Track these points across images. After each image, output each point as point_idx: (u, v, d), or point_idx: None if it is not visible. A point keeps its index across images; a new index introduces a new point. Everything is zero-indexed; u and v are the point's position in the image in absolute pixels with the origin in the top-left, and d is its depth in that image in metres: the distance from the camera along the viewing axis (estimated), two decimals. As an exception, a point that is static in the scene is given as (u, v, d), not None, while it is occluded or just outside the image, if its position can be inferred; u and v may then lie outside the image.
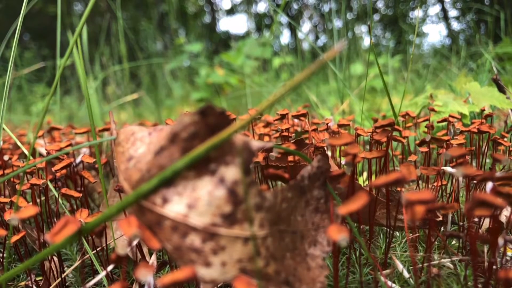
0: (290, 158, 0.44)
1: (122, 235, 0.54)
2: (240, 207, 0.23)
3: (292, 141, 0.49)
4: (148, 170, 0.23)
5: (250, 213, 0.23)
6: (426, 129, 0.64)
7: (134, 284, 0.42)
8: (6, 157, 0.57)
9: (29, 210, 0.27)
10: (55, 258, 0.47)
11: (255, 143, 0.24)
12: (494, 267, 0.37)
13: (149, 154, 0.24)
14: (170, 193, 0.23)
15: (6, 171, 0.56)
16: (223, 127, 0.23)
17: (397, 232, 0.52)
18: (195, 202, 0.22)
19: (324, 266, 0.25)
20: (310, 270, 0.25)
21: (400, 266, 0.45)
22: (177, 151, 0.23)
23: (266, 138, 0.60)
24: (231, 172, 0.23)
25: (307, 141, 0.50)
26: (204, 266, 0.22)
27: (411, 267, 0.46)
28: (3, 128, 0.48)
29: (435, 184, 0.54)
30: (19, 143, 0.55)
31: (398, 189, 0.43)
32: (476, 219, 0.48)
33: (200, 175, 0.23)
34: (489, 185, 0.28)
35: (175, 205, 0.23)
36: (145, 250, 0.49)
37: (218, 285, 0.40)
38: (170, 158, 0.23)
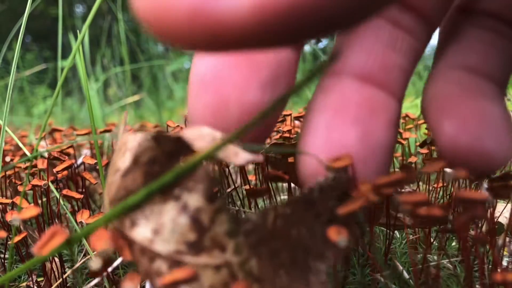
0: (291, 159, 0.44)
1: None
2: (207, 234, 0.22)
3: (293, 143, 0.49)
4: (117, 191, 0.23)
5: (220, 240, 0.22)
6: (426, 131, 0.64)
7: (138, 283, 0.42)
8: (8, 159, 0.58)
9: (30, 210, 0.27)
10: (56, 259, 0.48)
11: (242, 156, 0.22)
12: (493, 268, 0.37)
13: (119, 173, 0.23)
14: (138, 216, 0.22)
15: (8, 173, 0.56)
16: (181, 153, 0.22)
17: (397, 233, 0.52)
18: (160, 228, 0.22)
19: (326, 283, 0.23)
20: (308, 286, 0.23)
21: (400, 267, 0.45)
22: (139, 174, 0.22)
23: (267, 140, 0.60)
24: (194, 200, 0.22)
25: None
26: None
27: (411, 268, 0.46)
28: (5, 130, 0.48)
29: (435, 185, 0.54)
30: (21, 145, 0.55)
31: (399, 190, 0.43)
32: (475, 220, 0.48)
33: (166, 199, 0.22)
34: (484, 184, 0.29)
35: (142, 229, 0.22)
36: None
37: None
38: (134, 181, 0.22)
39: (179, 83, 2.78)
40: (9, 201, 0.47)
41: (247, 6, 0.13)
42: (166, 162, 0.23)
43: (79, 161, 0.66)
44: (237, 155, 0.22)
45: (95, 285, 0.45)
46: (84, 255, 0.54)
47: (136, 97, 2.05)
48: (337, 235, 0.22)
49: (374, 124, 0.26)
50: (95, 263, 0.22)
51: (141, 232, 0.22)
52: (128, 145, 0.24)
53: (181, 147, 0.23)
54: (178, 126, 0.51)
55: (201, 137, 0.23)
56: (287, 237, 0.23)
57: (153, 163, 0.22)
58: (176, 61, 2.88)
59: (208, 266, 0.22)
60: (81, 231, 0.22)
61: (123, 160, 0.23)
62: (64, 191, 0.47)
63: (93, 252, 0.22)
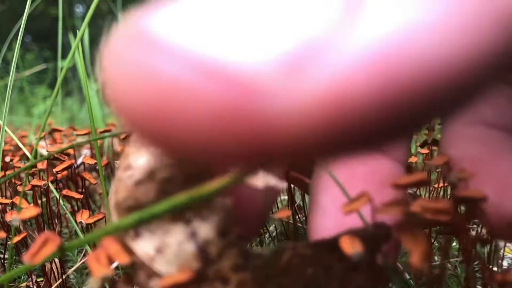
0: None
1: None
2: (212, 267, 0.21)
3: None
4: (125, 199, 0.21)
5: (224, 274, 0.21)
6: (426, 131, 0.64)
7: (134, 285, 0.42)
8: (7, 159, 0.58)
9: (30, 211, 0.27)
10: (56, 260, 0.47)
11: (265, 181, 0.21)
12: (494, 268, 0.37)
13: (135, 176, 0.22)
14: (143, 229, 0.21)
15: (8, 172, 0.56)
16: (201, 177, 0.21)
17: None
18: (164, 248, 0.21)
19: None
20: None
21: (400, 267, 0.45)
22: (153, 190, 0.21)
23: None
24: (205, 229, 0.21)
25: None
26: None
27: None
28: (5, 130, 0.48)
29: (436, 186, 0.54)
30: (20, 145, 0.55)
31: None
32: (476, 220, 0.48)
33: (175, 219, 0.21)
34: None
35: (145, 244, 0.21)
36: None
37: None
38: (146, 195, 0.21)
39: (179, 83, 2.77)
40: (8, 201, 0.47)
41: (317, 99, 0.09)
42: (184, 184, 0.21)
43: (79, 161, 0.66)
44: (260, 180, 0.21)
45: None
46: (84, 255, 0.54)
47: (136, 97, 2.05)
48: (351, 247, 0.20)
49: (384, 195, 0.24)
50: (94, 284, 0.21)
51: (144, 246, 0.21)
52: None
53: (202, 170, 0.21)
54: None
55: None
56: (300, 275, 0.22)
57: (170, 182, 0.21)
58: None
59: None
60: (79, 240, 0.21)
61: (136, 157, 0.22)
62: (64, 191, 0.47)
63: (92, 276, 0.20)
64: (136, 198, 0.21)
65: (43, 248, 0.21)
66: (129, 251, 0.21)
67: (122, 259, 0.21)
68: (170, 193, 0.21)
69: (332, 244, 0.22)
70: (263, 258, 0.22)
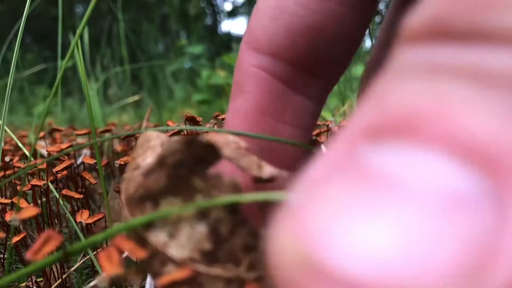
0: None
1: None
2: (223, 246, 0.21)
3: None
4: (136, 189, 0.22)
5: (236, 254, 0.21)
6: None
7: (134, 285, 0.42)
8: (7, 159, 0.58)
9: (29, 210, 0.27)
10: (56, 259, 0.47)
11: (266, 170, 0.21)
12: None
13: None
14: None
15: (7, 172, 0.56)
16: (210, 159, 0.22)
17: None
18: (176, 232, 0.21)
19: None
20: None
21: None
22: (164, 176, 0.22)
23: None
24: (216, 210, 0.21)
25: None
26: None
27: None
28: (5, 130, 0.48)
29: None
30: (20, 145, 0.55)
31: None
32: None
33: (185, 203, 0.22)
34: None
35: (158, 231, 0.21)
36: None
37: None
38: (157, 182, 0.22)
39: (179, 83, 2.78)
40: (8, 201, 0.47)
41: None
42: (194, 167, 0.22)
43: (79, 161, 0.66)
44: (261, 168, 0.21)
45: (95, 285, 0.45)
46: (84, 256, 0.54)
47: (136, 97, 2.05)
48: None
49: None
50: (101, 282, 0.21)
51: (157, 234, 0.21)
52: (151, 143, 0.23)
53: (211, 152, 0.22)
54: (178, 126, 0.51)
55: (227, 144, 0.22)
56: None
57: (180, 167, 0.22)
58: (176, 61, 2.88)
59: (220, 278, 0.21)
60: (85, 242, 0.21)
61: (143, 158, 0.23)
62: (64, 191, 0.47)
63: (102, 272, 0.20)
64: (147, 187, 0.22)
65: (46, 245, 0.21)
66: (141, 241, 0.21)
67: (138, 254, 0.21)
68: (180, 178, 0.21)
69: None
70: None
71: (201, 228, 0.21)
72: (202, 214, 0.21)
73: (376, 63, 0.27)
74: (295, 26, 0.24)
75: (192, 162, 0.22)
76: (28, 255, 0.20)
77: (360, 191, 0.11)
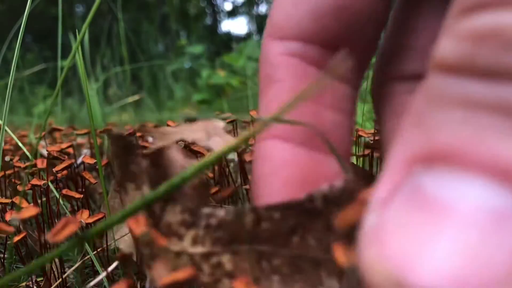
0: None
1: (123, 236, 0.54)
2: (161, 222, 0.22)
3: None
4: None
5: (175, 229, 0.22)
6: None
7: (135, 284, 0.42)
8: (7, 158, 0.58)
9: (30, 210, 0.27)
10: (56, 259, 0.47)
11: (178, 160, 0.23)
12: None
13: None
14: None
15: (7, 172, 0.56)
16: (129, 151, 0.23)
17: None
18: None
19: None
20: None
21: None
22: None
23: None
24: (146, 187, 0.23)
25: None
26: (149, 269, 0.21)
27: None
28: (5, 130, 0.48)
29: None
30: (20, 144, 0.55)
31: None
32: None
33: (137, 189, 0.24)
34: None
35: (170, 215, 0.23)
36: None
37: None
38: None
39: (179, 83, 2.78)
40: (8, 200, 0.47)
41: None
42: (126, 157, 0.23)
43: (79, 160, 0.66)
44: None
45: (95, 285, 0.45)
46: (84, 255, 0.54)
47: (136, 97, 2.05)
48: (344, 258, 0.19)
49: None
50: (128, 248, 0.22)
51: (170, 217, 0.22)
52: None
53: (131, 146, 0.23)
54: (178, 125, 0.51)
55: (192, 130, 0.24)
56: (283, 243, 0.21)
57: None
58: (176, 61, 2.88)
59: (168, 250, 0.22)
60: (106, 222, 0.21)
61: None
62: (64, 191, 0.47)
63: (131, 236, 0.22)
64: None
65: (65, 228, 0.22)
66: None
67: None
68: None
69: (308, 209, 0.21)
70: (216, 218, 0.22)
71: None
72: (142, 194, 0.23)
73: (389, 53, 0.27)
74: (320, 7, 0.24)
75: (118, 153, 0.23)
76: (48, 236, 0.21)
77: (421, 214, 0.14)
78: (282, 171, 0.24)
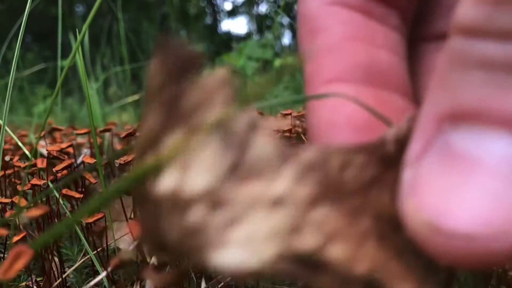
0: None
1: (123, 236, 0.54)
2: (245, 157, 0.16)
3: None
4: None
5: (264, 167, 0.16)
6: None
7: (134, 285, 0.42)
8: (7, 158, 0.58)
9: (38, 209, 0.26)
10: (56, 259, 0.47)
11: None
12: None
13: None
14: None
15: (7, 172, 0.56)
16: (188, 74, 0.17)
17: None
18: (185, 166, 0.16)
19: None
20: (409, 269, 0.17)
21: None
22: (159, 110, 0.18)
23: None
24: (217, 113, 0.17)
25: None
26: (219, 248, 0.15)
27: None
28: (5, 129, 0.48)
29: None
30: (20, 144, 0.55)
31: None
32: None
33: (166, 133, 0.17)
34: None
35: (165, 179, 0.16)
36: (145, 251, 0.49)
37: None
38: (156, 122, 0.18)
39: (179, 83, 2.77)
40: (8, 200, 0.47)
41: None
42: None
43: (79, 160, 0.66)
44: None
45: (95, 284, 0.45)
46: (84, 255, 0.54)
47: (136, 97, 2.05)
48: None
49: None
50: (126, 253, 0.20)
51: (164, 183, 0.16)
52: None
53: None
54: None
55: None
56: (364, 197, 0.18)
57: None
58: (176, 61, 2.87)
59: (259, 199, 0.16)
60: (100, 198, 0.18)
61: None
62: (64, 191, 0.47)
63: (133, 239, 0.20)
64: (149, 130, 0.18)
65: (16, 261, 0.20)
66: (154, 210, 0.17)
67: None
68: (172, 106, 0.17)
69: (383, 156, 0.18)
70: (306, 156, 0.17)
71: (211, 144, 0.16)
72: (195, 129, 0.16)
73: (419, 13, 0.27)
74: None
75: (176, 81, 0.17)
76: None
77: (452, 168, 0.15)
78: (346, 112, 0.23)
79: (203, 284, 0.46)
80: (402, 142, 0.18)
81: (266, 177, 0.16)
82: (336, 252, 0.16)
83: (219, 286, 0.46)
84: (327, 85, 0.23)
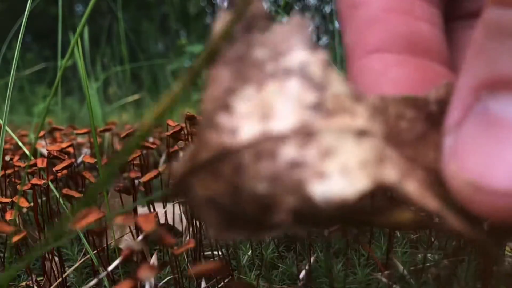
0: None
1: (123, 236, 0.54)
2: (326, 93, 0.17)
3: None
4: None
5: (344, 104, 0.18)
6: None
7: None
8: (7, 158, 0.58)
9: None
10: (56, 259, 0.47)
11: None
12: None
13: None
14: (231, 122, 0.17)
15: (7, 171, 0.56)
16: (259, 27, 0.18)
17: (397, 232, 0.52)
18: (267, 110, 0.17)
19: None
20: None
21: (400, 267, 0.45)
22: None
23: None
24: (295, 55, 0.17)
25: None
26: (319, 180, 0.16)
27: (412, 268, 0.46)
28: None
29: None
30: (20, 144, 0.55)
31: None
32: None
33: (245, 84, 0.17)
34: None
35: (246, 128, 0.17)
36: (145, 250, 0.49)
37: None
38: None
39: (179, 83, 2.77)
40: (8, 200, 0.47)
41: None
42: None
43: (79, 160, 0.66)
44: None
45: (95, 284, 0.45)
46: (84, 255, 0.54)
47: (136, 96, 2.05)
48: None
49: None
50: (136, 244, 0.21)
51: (246, 131, 0.17)
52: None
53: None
54: (178, 125, 0.51)
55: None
56: (415, 150, 0.19)
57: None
58: (176, 60, 2.87)
59: (346, 131, 0.17)
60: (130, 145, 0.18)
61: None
62: (64, 190, 0.47)
63: (142, 232, 0.21)
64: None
65: (86, 217, 0.22)
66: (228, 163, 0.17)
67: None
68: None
69: (427, 114, 0.20)
70: (371, 100, 0.19)
71: (293, 84, 0.17)
72: (285, 71, 0.17)
73: None
74: None
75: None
76: (70, 224, 0.21)
77: (491, 132, 0.17)
78: (391, 77, 0.24)
79: (203, 284, 0.46)
80: (442, 104, 0.20)
81: (346, 112, 0.17)
82: (412, 187, 0.17)
83: (219, 286, 0.46)
84: (369, 55, 0.25)
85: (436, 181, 0.18)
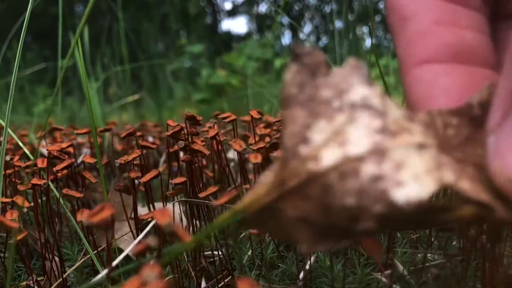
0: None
1: (123, 235, 0.54)
2: (388, 119, 0.21)
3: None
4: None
5: (403, 125, 0.22)
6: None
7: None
8: (8, 157, 0.58)
9: (105, 212, 0.26)
10: (57, 259, 0.48)
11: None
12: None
13: None
14: (318, 151, 0.21)
15: (8, 171, 0.56)
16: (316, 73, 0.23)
17: (397, 232, 0.52)
18: (342, 139, 0.21)
19: None
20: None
21: (400, 267, 0.45)
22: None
23: (267, 139, 0.60)
24: (356, 92, 0.22)
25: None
26: (399, 188, 0.20)
27: (412, 268, 0.46)
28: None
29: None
30: (20, 144, 0.55)
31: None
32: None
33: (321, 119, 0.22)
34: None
35: (327, 154, 0.21)
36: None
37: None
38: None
39: (179, 82, 2.77)
40: (8, 200, 0.47)
41: None
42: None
43: (79, 160, 0.66)
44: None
45: (95, 284, 0.45)
46: (84, 255, 0.54)
47: (136, 96, 2.05)
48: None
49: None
50: (152, 240, 0.22)
51: (328, 157, 0.21)
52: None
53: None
54: (178, 125, 0.51)
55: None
56: (463, 152, 0.23)
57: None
58: (176, 60, 2.87)
59: (409, 146, 0.21)
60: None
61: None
62: (64, 190, 0.47)
63: (160, 226, 0.22)
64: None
65: (100, 212, 0.24)
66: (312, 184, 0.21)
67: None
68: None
69: (471, 118, 0.24)
70: (420, 118, 0.23)
71: (360, 115, 0.22)
72: (351, 106, 0.22)
73: None
74: None
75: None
76: (82, 216, 0.23)
77: None
78: (442, 86, 0.26)
79: (203, 284, 0.46)
80: (485, 106, 0.23)
81: (406, 131, 0.21)
82: (466, 185, 0.20)
83: (219, 286, 0.46)
84: (420, 66, 0.27)
85: (486, 176, 0.21)
